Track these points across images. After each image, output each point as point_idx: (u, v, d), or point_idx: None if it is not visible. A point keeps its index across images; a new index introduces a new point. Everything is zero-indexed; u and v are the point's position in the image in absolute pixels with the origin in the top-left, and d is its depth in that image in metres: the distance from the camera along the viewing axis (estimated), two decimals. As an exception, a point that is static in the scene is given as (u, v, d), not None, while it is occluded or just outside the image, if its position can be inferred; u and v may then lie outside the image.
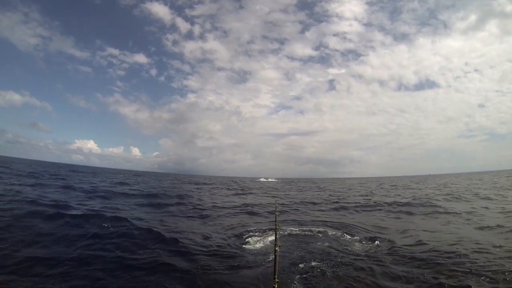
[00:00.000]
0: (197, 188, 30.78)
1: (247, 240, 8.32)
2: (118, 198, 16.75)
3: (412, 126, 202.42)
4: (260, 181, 68.29)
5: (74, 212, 10.64)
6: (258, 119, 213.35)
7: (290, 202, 18.65)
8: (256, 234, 8.96)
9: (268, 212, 13.83)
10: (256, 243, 7.94)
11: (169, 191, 23.15)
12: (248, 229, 9.67)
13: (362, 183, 55.95)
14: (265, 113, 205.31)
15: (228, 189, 31.87)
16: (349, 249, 7.40)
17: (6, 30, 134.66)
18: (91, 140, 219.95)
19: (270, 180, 76.70)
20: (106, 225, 8.90)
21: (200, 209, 14.51)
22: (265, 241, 8.09)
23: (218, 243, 7.88)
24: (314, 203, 17.81)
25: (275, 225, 4.66)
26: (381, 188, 34.64)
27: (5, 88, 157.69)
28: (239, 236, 8.91)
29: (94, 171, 64.19)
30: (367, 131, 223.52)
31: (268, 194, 26.67)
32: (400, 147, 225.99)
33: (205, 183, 42.35)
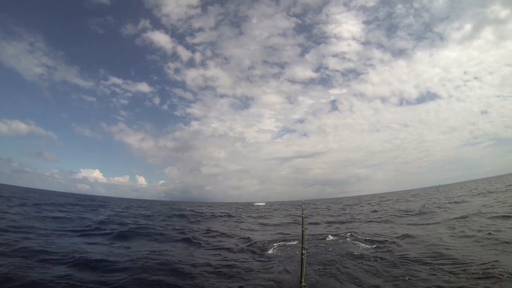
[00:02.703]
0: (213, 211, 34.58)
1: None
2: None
3: (417, 139, 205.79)
4: (255, 205, 75.66)
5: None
6: (262, 144, 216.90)
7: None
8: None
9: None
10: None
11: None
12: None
13: (354, 202, 58.98)
14: (269, 137, 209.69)
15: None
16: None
17: (12, 59, 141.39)
18: (96, 170, 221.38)
19: (262, 204, 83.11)
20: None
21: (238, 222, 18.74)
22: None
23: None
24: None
25: (302, 227, 4.55)
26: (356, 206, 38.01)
27: (11, 117, 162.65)
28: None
29: (109, 201, 66.90)
30: (372, 148, 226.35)
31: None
32: (406, 161, 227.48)
33: (212, 207, 46.09)
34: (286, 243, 12.14)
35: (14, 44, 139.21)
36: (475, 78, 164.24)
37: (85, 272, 7.64)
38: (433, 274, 6.79)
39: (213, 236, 14.43)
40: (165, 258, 9.24)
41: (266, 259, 9.62)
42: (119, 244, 11.69)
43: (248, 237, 13.80)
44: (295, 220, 21.44)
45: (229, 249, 11.19)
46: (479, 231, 10.94)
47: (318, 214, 27.27)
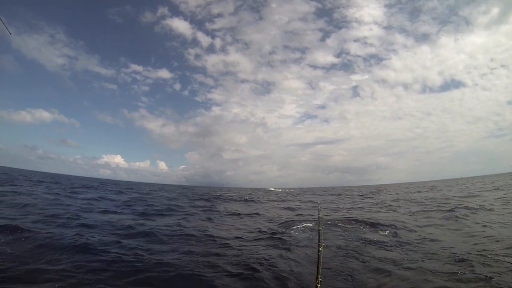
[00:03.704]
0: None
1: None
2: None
3: (439, 128, 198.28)
4: (272, 190, 75.46)
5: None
6: (283, 129, 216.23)
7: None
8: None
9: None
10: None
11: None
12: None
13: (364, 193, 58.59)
14: (291, 123, 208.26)
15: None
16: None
17: (35, 51, 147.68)
18: (118, 155, 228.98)
19: (277, 189, 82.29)
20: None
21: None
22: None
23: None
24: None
25: (318, 225, 4.76)
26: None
27: (35, 106, 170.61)
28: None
29: (132, 185, 69.58)
30: (393, 136, 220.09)
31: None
32: (427, 151, 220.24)
33: (233, 192, 47.51)
34: (304, 224, 12.68)
35: (35, 37, 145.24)
36: (502, 66, 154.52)
37: (133, 240, 8.54)
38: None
39: (240, 218, 15.36)
40: (200, 233, 10.16)
41: (287, 239, 10.15)
42: (156, 220, 12.74)
43: (271, 218, 14.72)
44: (313, 206, 21.96)
45: (255, 228, 11.91)
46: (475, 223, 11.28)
47: (336, 201, 27.68)
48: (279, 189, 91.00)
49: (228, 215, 16.01)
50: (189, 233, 10.01)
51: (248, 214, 16.53)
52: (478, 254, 7.00)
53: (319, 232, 4.40)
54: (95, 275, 5.66)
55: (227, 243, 8.86)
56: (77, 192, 24.46)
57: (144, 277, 5.78)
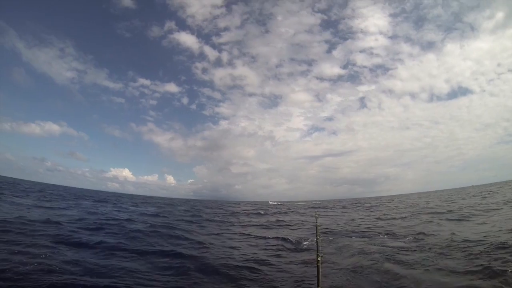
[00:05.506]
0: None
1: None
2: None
3: (448, 137, 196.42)
4: (269, 203, 76.49)
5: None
6: (291, 142, 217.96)
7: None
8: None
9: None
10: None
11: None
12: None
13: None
14: (298, 136, 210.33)
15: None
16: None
17: (44, 65, 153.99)
18: (126, 169, 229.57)
19: (276, 203, 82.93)
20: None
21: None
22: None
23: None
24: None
25: (316, 236, 4.64)
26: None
27: (44, 119, 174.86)
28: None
29: (145, 199, 72.00)
30: (402, 146, 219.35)
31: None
32: (436, 160, 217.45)
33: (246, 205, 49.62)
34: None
35: (45, 51, 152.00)
36: (510, 70, 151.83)
37: (192, 250, 10.67)
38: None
39: (261, 228, 17.73)
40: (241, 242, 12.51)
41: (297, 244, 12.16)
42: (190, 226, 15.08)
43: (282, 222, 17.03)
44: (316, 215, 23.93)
45: (279, 236, 13.86)
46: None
47: (344, 214, 29.45)
48: (279, 202, 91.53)
49: (251, 226, 18.45)
50: (232, 245, 12.05)
51: (263, 225, 18.85)
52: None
53: (317, 243, 4.36)
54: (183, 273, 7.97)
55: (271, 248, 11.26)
56: (101, 205, 27.14)
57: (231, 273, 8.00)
